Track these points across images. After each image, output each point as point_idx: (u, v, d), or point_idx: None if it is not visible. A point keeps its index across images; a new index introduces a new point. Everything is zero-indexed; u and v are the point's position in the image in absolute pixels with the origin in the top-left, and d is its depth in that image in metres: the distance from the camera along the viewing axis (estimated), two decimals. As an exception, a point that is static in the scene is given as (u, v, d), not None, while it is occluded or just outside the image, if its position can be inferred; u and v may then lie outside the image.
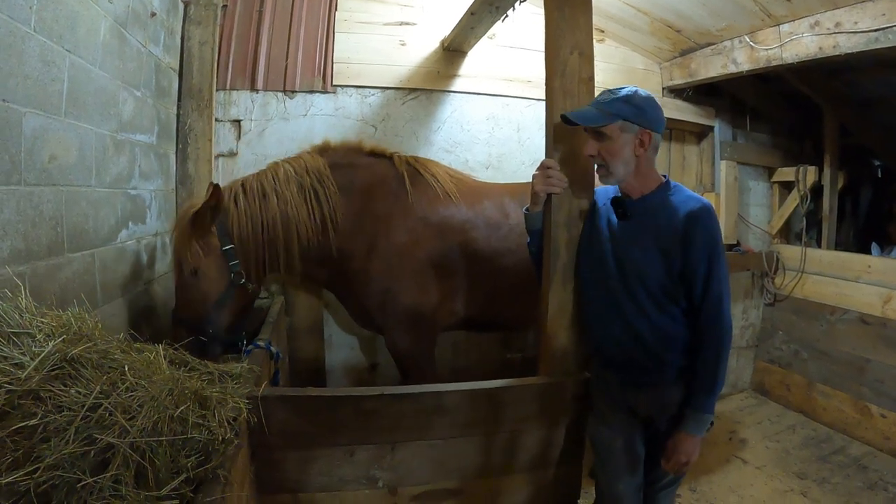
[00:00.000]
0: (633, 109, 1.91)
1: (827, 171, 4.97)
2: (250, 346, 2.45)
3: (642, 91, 1.96)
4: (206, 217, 2.58)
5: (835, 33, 3.30)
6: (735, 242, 4.96)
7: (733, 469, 3.62)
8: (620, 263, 2.01)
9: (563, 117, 2.03)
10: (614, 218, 2.07)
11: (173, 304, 2.76)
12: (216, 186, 2.57)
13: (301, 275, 3.26)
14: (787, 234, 5.32)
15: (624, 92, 1.95)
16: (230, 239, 2.68)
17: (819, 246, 5.00)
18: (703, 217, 1.88)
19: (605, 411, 2.18)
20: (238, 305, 2.75)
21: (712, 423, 1.95)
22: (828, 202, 5.02)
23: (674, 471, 1.96)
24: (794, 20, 3.55)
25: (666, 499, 2.17)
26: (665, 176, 2.05)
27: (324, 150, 3.09)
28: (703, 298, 1.88)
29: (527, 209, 2.29)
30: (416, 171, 3.21)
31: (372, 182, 3.11)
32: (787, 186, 5.24)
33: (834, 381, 4.31)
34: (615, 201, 2.08)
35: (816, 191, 5.01)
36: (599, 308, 2.12)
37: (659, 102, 2.02)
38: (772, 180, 5.33)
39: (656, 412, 2.01)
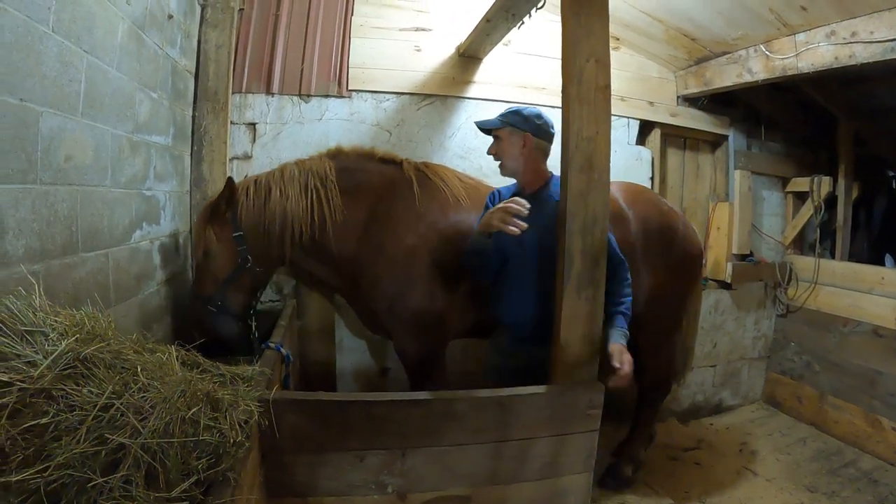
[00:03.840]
0: (519, 118, 2.54)
1: (841, 182, 4.94)
2: (263, 346, 2.53)
3: (534, 109, 2.60)
4: (220, 206, 2.88)
5: (850, 43, 3.28)
6: (748, 252, 4.90)
7: (743, 481, 3.58)
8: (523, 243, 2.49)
9: (476, 123, 2.67)
10: None
11: (186, 305, 3.06)
12: (230, 179, 2.88)
13: (306, 274, 3.46)
14: (801, 244, 5.27)
15: (518, 108, 2.60)
16: (240, 227, 2.92)
17: (832, 257, 4.96)
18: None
19: None
20: (246, 285, 3.00)
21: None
22: (842, 213, 4.99)
23: (626, 368, 2.28)
24: (809, 29, 3.52)
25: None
26: (551, 172, 2.64)
27: (335, 154, 3.18)
28: None
29: (478, 233, 2.51)
30: (424, 176, 3.22)
31: (379, 186, 3.15)
32: (801, 197, 5.19)
33: (846, 394, 4.26)
34: (514, 195, 2.54)
35: (830, 201, 4.96)
36: (512, 282, 2.64)
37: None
38: (786, 190, 5.28)
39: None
